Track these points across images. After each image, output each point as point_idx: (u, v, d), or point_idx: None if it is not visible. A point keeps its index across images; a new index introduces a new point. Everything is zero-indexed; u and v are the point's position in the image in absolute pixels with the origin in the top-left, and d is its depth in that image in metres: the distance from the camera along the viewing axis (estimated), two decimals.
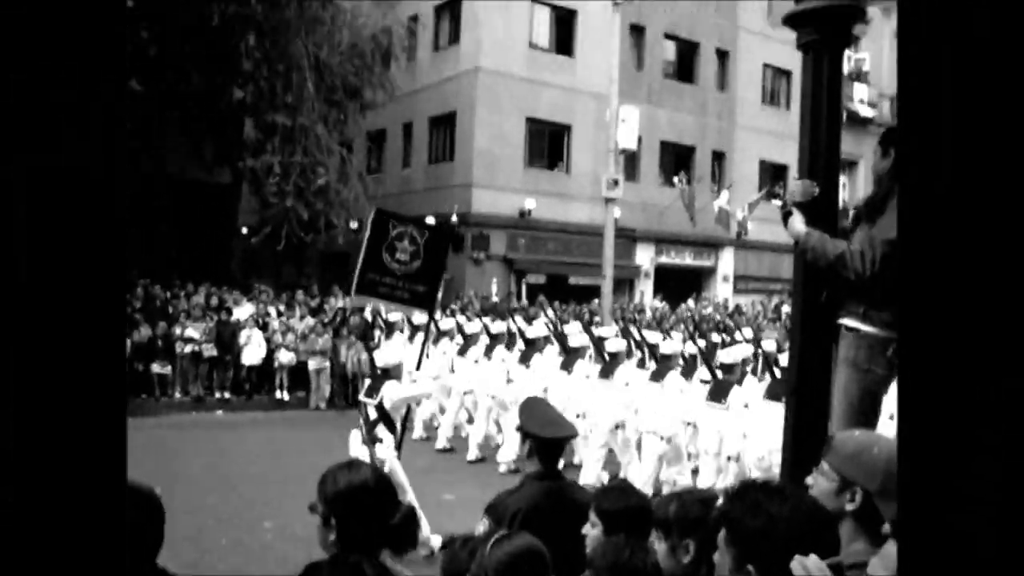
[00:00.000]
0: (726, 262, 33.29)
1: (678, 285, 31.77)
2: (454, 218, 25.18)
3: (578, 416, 10.84)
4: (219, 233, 26.42)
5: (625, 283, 30.46)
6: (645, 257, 31.45)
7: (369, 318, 18.04)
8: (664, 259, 31.90)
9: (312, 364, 18.23)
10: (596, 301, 23.96)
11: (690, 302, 28.87)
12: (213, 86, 21.34)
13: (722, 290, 32.70)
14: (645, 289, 31.29)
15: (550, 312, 20.62)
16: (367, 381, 9.42)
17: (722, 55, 32.90)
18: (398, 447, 8.55)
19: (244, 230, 26.51)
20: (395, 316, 14.17)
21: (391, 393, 8.46)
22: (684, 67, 32.27)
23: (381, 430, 8.45)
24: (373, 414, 8.51)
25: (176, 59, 20.89)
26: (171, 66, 20.92)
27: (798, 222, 4.16)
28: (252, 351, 18.16)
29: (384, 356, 9.23)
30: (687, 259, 32.60)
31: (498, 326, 14.32)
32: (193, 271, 21.25)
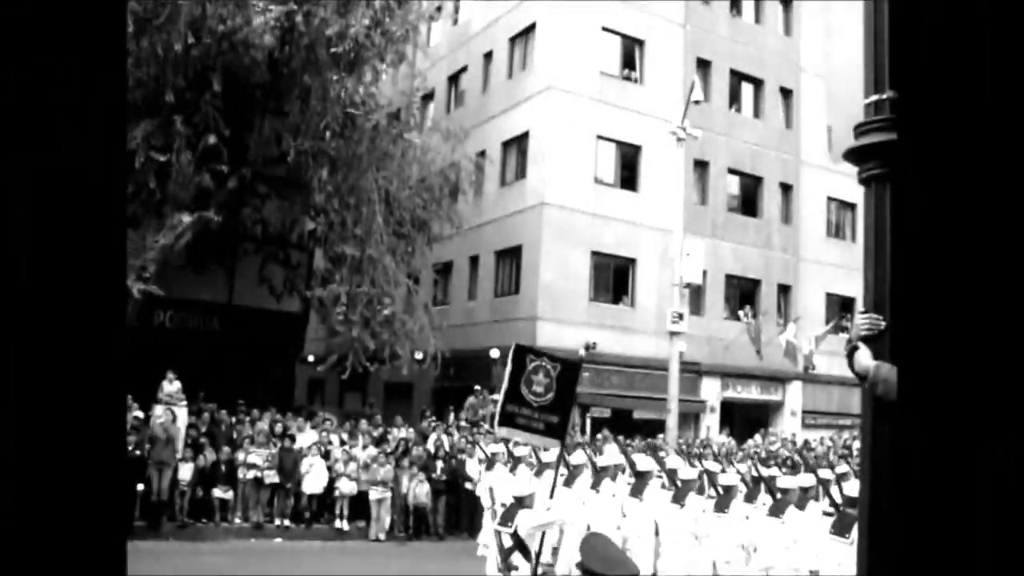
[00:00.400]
0: (794, 396, 32.66)
1: (744, 420, 31.20)
2: (582, 352, 25.18)
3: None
4: (286, 361, 26.77)
5: (690, 417, 29.99)
6: (711, 391, 31.02)
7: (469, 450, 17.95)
8: (730, 393, 31.42)
9: (373, 494, 18.12)
10: (661, 436, 23.59)
11: (757, 437, 28.25)
12: (286, 218, 21.99)
13: (790, 425, 31.98)
14: (711, 424, 30.74)
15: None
16: (499, 510, 9.93)
17: (786, 188, 33.05)
18: (533, 574, 8.59)
19: (310, 358, 26.83)
20: (522, 451, 14.25)
21: (525, 521, 8.58)
22: (748, 201, 32.45)
23: (517, 558, 8.52)
24: (508, 542, 8.65)
25: (253, 192, 21.64)
26: (249, 199, 21.66)
27: (865, 357, 4.08)
28: (314, 479, 18.13)
29: (519, 486, 9.69)
30: (754, 393, 32.07)
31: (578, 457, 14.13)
32: (259, 397, 21.46)
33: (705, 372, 30.38)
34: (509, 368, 9.31)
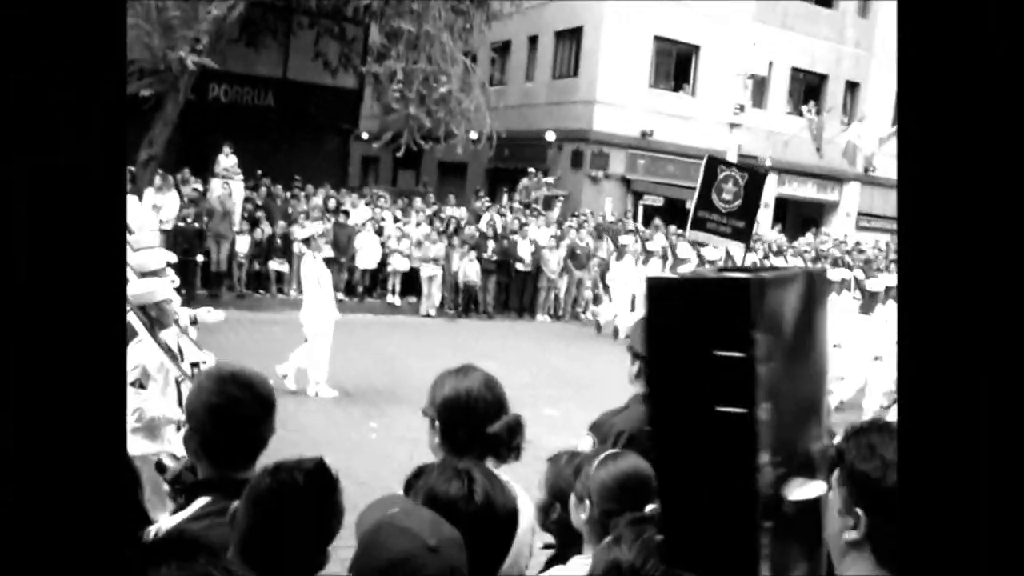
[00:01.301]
0: (850, 197, 32.17)
1: (798, 217, 30.95)
2: (768, 162, 24.94)
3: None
4: (340, 137, 26.72)
5: None
6: (766, 186, 30.63)
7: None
8: (785, 189, 31.01)
9: (425, 271, 18.46)
10: None
11: (809, 235, 28.08)
12: None
13: (844, 226, 31.67)
14: (763, 219, 30.56)
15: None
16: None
17: None
18: None
19: (365, 135, 26.74)
20: (654, 245, 15.33)
21: None
22: None
23: None
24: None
25: None
26: None
27: None
28: (367, 254, 18.45)
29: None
30: (810, 191, 31.65)
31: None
32: (313, 173, 21.57)
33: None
34: (701, 177, 10.72)
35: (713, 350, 1.22)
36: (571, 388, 11.86)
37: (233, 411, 2.57)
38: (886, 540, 1.72)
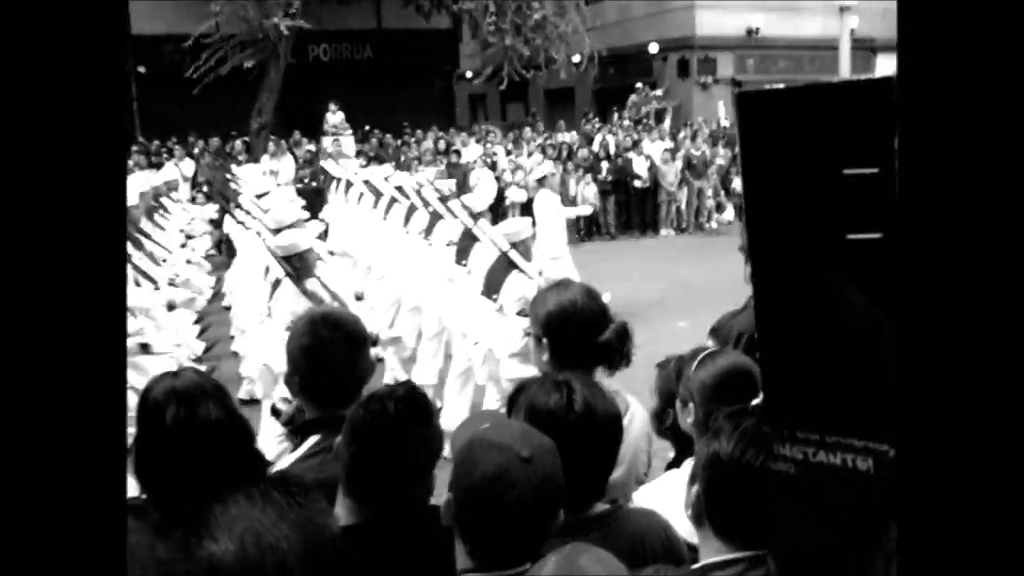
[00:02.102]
0: None
1: None
2: None
3: None
4: (443, 79, 26.79)
5: None
6: (886, 70, 29.18)
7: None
8: None
9: None
10: None
11: None
12: None
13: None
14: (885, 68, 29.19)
15: None
16: None
17: None
18: None
19: (468, 74, 26.71)
20: None
21: None
22: None
23: None
24: None
25: None
26: None
27: None
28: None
29: None
30: None
31: None
32: (420, 118, 21.72)
33: (880, 48, 28.48)
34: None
35: (843, 168, 1.06)
36: (700, 298, 11.66)
37: (324, 351, 2.65)
38: None
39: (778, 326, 1.17)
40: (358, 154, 19.01)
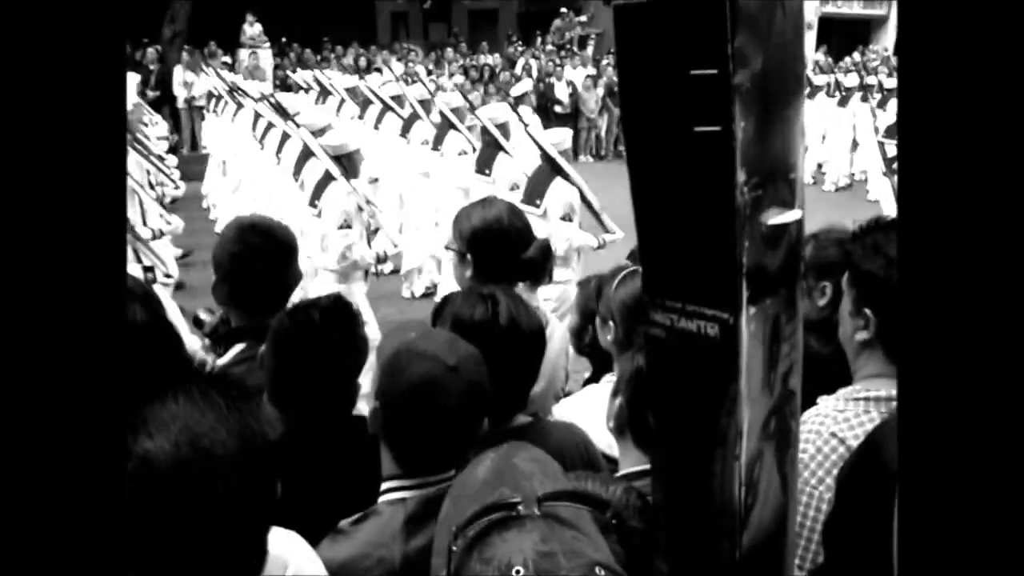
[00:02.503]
0: None
1: (843, 36, 29.84)
2: None
3: None
4: None
5: None
6: (809, 7, 29.51)
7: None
8: (829, 8, 29.85)
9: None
10: None
11: (856, 54, 27.14)
12: None
13: (893, 41, 30.53)
14: (807, 41, 29.57)
15: None
16: None
17: None
18: None
19: None
20: None
21: None
22: None
23: None
24: None
25: None
26: None
27: None
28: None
29: None
30: (855, 7, 30.42)
31: None
32: (341, 34, 21.21)
33: None
34: None
35: (689, 70, 1.19)
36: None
37: (254, 258, 2.62)
38: (895, 337, 1.70)
39: (647, 208, 1.32)
40: (276, 68, 18.56)
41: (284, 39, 19.80)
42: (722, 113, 1.18)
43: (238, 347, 2.58)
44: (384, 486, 1.89)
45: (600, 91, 19.50)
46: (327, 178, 6.42)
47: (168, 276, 6.35)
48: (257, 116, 9.93)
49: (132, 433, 1.18)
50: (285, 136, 8.38)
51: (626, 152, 1.33)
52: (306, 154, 7.16)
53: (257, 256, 2.62)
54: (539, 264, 2.78)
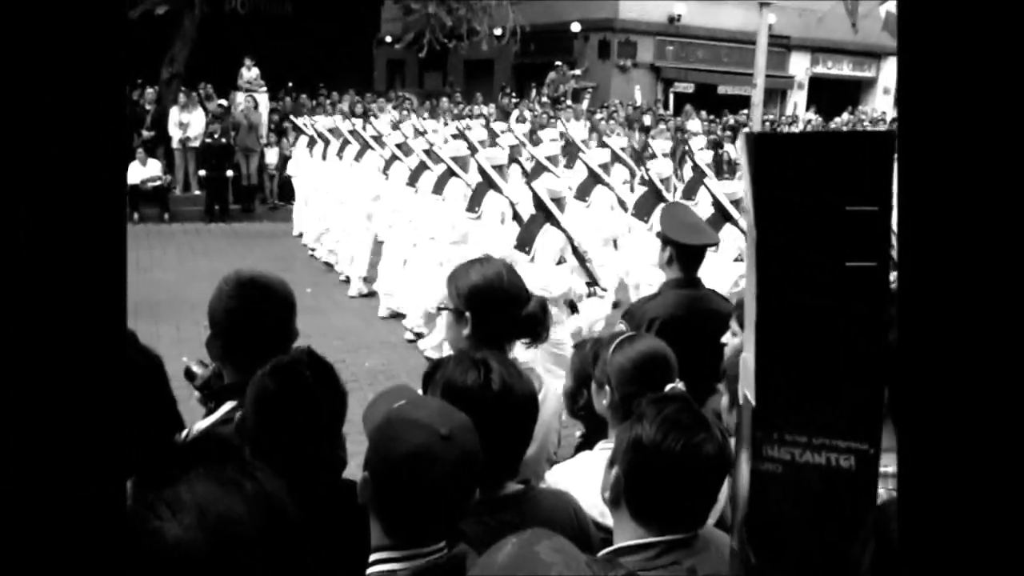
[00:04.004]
0: (888, 73, 31.26)
1: (834, 97, 30.20)
2: None
3: None
4: (362, 42, 26.33)
5: (777, 94, 29.15)
6: (800, 67, 29.88)
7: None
8: (820, 69, 30.24)
9: None
10: (745, 112, 23.06)
11: (845, 115, 27.45)
12: None
13: (882, 103, 30.88)
14: (798, 100, 29.89)
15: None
16: None
17: None
18: None
19: (388, 39, 26.34)
20: None
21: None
22: None
23: None
24: None
25: None
26: None
27: None
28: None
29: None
30: (845, 69, 30.83)
31: None
32: (338, 80, 21.35)
33: (795, 46, 29.08)
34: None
35: (845, 205, 1.19)
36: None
37: (251, 315, 2.58)
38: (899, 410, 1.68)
39: (776, 342, 1.28)
40: (272, 112, 18.62)
41: (284, 82, 19.94)
42: (879, 248, 1.20)
43: (229, 404, 2.53)
44: (373, 557, 1.85)
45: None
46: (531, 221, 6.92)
47: None
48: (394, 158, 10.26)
49: (157, 517, 1.17)
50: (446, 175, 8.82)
51: (757, 283, 1.30)
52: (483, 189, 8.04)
53: (254, 312, 2.58)
54: (539, 320, 2.76)
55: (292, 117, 16.68)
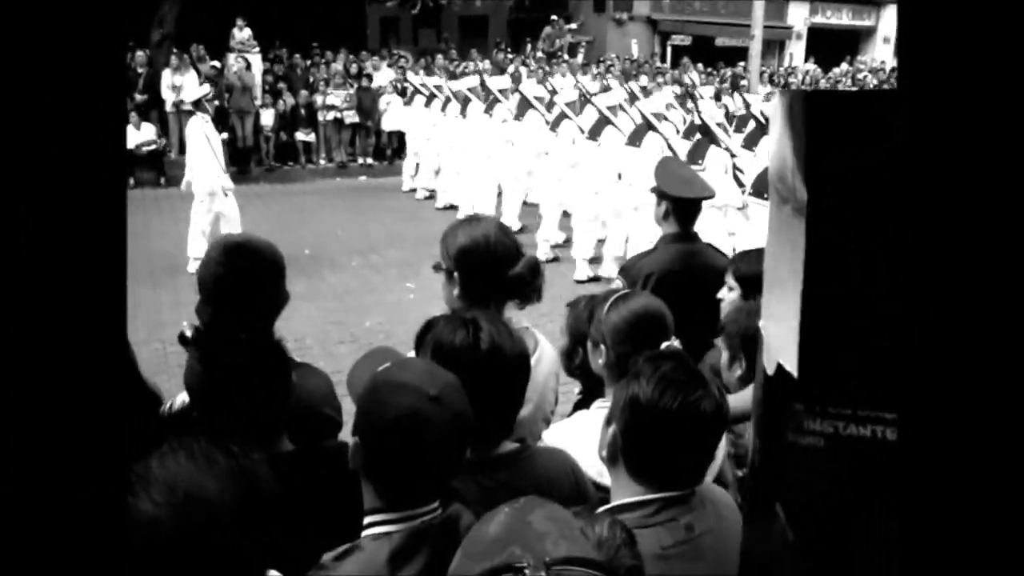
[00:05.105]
0: (888, 21, 30.96)
1: (833, 47, 29.94)
2: None
3: None
4: (355, 0, 26.10)
5: (775, 45, 28.90)
6: (798, 17, 29.60)
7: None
8: (819, 19, 29.95)
9: None
10: (743, 64, 22.87)
11: (844, 65, 27.22)
12: None
13: (882, 53, 30.60)
14: (796, 51, 29.64)
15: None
16: None
17: None
18: None
19: None
20: None
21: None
22: None
23: None
24: None
25: None
26: None
27: None
28: (392, 116, 18.21)
29: None
30: (844, 18, 30.53)
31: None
32: (331, 39, 21.15)
33: None
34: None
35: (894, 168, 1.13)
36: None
37: (240, 279, 2.56)
38: None
39: (823, 309, 1.25)
40: (266, 73, 18.46)
41: (277, 42, 19.75)
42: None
43: None
44: (367, 520, 1.83)
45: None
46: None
47: None
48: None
49: (132, 495, 1.15)
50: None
51: (807, 243, 1.25)
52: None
53: (242, 277, 2.56)
54: (527, 282, 2.72)
55: (409, 76, 17.08)
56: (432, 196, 14.52)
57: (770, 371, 1.32)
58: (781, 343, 1.29)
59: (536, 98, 12.16)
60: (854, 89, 19.17)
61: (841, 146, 1.19)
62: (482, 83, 13.67)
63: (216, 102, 16.44)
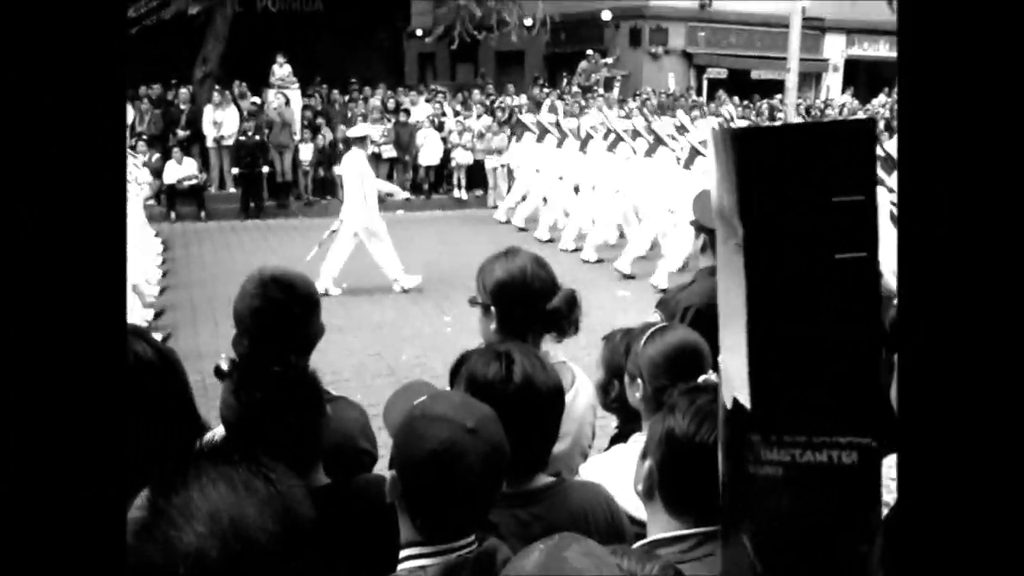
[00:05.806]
0: None
1: (870, 79, 29.79)
2: None
3: None
4: (393, 35, 26.43)
5: (811, 77, 28.83)
6: (835, 49, 29.52)
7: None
8: (855, 51, 29.85)
9: (489, 163, 18.32)
10: (779, 97, 22.82)
11: (882, 96, 27.06)
12: None
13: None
14: (833, 83, 29.54)
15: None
16: None
17: None
18: None
19: (418, 32, 26.38)
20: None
21: None
22: None
23: None
24: None
25: None
26: None
27: None
28: (429, 151, 18.35)
29: None
30: (881, 50, 30.38)
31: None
32: (369, 75, 21.42)
33: (829, 28, 28.74)
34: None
35: (832, 196, 1.18)
36: (644, 267, 11.76)
37: (275, 313, 2.58)
38: None
39: (770, 342, 1.26)
40: (304, 108, 18.71)
41: (316, 78, 20.02)
42: (867, 239, 1.19)
43: None
44: (403, 553, 1.83)
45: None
46: None
47: None
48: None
49: (175, 528, 1.14)
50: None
51: (747, 282, 1.27)
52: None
53: (277, 310, 2.58)
54: (564, 315, 2.72)
55: (518, 114, 18.01)
56: (525, 229, 14.95)
57: (728, 405, 1.32)
58: (736, 376, 1.30)
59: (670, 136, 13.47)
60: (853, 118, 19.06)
61: (772, 182, 1.22)
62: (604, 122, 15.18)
63: (257, 137, 16.70)
